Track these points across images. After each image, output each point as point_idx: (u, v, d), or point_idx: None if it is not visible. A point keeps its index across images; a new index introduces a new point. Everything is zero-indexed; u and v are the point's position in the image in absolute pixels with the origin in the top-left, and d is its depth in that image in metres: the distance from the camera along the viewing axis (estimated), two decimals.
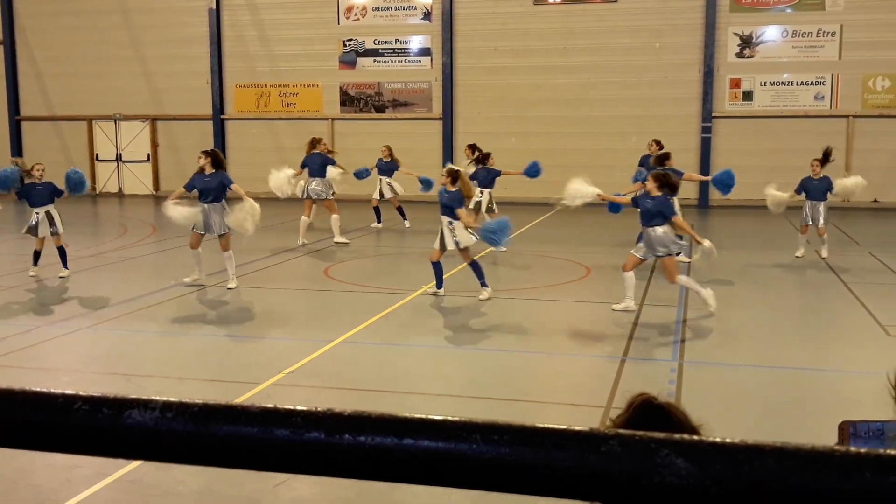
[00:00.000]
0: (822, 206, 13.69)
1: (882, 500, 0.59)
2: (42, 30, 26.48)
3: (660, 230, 9.98)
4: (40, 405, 0.72)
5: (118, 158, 26.61)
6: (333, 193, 15.86)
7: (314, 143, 16.21)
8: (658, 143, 16.19)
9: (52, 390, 0.73)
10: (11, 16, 26.61)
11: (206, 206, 11.68)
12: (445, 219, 10.95)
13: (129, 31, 25.80)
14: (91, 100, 26.32)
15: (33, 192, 12.33)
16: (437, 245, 10.98)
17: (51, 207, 12.38)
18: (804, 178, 13.96)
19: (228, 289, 11.66)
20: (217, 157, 12.07)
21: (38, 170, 12.40)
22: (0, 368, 8.08)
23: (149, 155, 26.43)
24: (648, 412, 1.84)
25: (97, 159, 26.77)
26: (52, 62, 26.55)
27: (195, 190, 11.83)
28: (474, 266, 10.98)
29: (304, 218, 15.52)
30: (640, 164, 16.06)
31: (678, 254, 10.46)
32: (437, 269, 11.09)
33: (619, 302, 10.25)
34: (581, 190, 10.75)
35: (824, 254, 13.67)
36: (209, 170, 11.80)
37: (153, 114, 26.12)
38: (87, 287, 12.06)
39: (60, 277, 12.33)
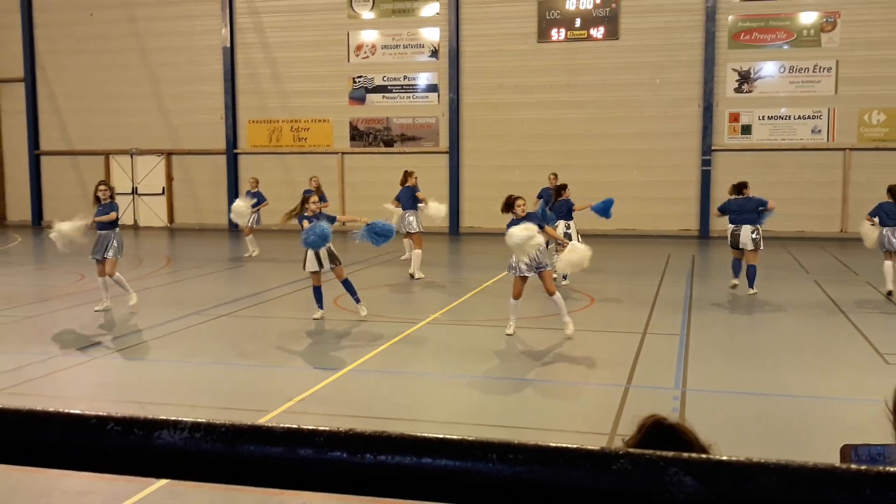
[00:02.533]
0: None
1: None
2: (61, 67, 26.76)
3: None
4: (74, 426, 0.74)
5: (134, 192, 26.77)
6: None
7: (406, 176, 16.36)
8: (556, 175, 17.25)
9: (86, 412, 0.75)
10: (32, 54, 26.90)
11: (100, 232, 12.39)
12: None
13: (145, 69, 26.06)
14: (108, 135, 26.54)
15: None
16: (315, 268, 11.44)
17: None
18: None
19: (130, 305, 12.28)
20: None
21: None
22: (18, 396, 8.09)
23: (164, 188, 26.59)
24: (659, 432, 1.83)
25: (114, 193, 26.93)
26: (70, 98, 26.82)
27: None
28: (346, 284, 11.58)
29: (417, 251, 15.49)
30: (539, 196, 16.60)
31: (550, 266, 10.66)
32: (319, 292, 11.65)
33: (509, 325, 10.58)
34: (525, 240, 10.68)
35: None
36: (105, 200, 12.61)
37: (168, 148, 26.31)
38: (104, 317, 12.08)
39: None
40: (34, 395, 8.16)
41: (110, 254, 12.24)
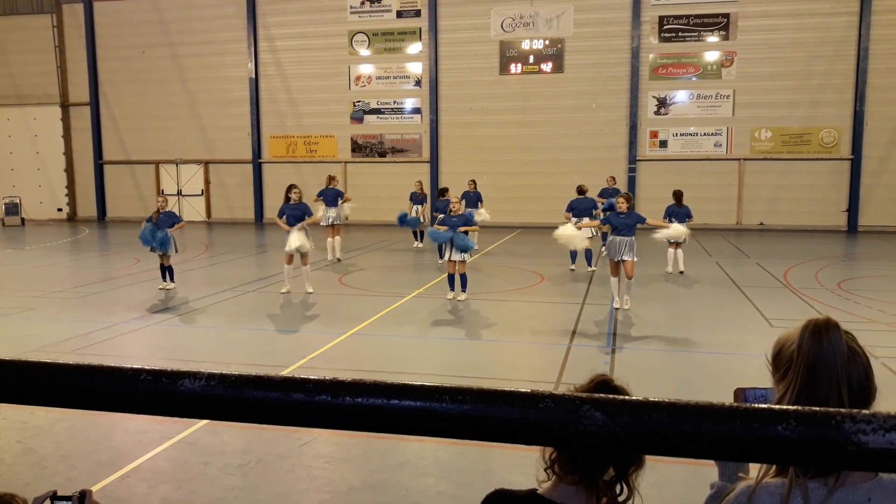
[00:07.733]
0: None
1: (746, 442, 0.61)
2: (119, 93, 26.37)
3: (629, 239, 10.16)
4: (114, 376, 0.73)
5: (179, 193, 26.48)
6: (346, 218, 16.20)
7: (330, 179, 16.48)
8: (614, 178, 17.39)
9: (123, 365, 0.74)
10: (96, 83, 26.50)
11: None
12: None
13: (186, 94, 25.73)
14: (157, 147, 26.22)
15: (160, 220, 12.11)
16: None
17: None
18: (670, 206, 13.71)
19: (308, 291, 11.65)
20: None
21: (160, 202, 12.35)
22: (86, 356, 8.01)
23: (202, 190, 26.32)
24: (604, 388, 1.84)
25: (162, 194, 26.63)
26: (127, 119, 26.45)
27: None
28: (463, 276, 11.06)
29: (329, 239, 15.57)
30: (601, 196, 16.63)
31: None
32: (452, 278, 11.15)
33: (616, 301, 10.40)
34: (572, 237, 10.67)
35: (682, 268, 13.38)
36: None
37: (206, 158, 26.02)
38: (154, 292, 11.96)
39: (167, 290, 11.99)
40: (99, 355, 8.07)
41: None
